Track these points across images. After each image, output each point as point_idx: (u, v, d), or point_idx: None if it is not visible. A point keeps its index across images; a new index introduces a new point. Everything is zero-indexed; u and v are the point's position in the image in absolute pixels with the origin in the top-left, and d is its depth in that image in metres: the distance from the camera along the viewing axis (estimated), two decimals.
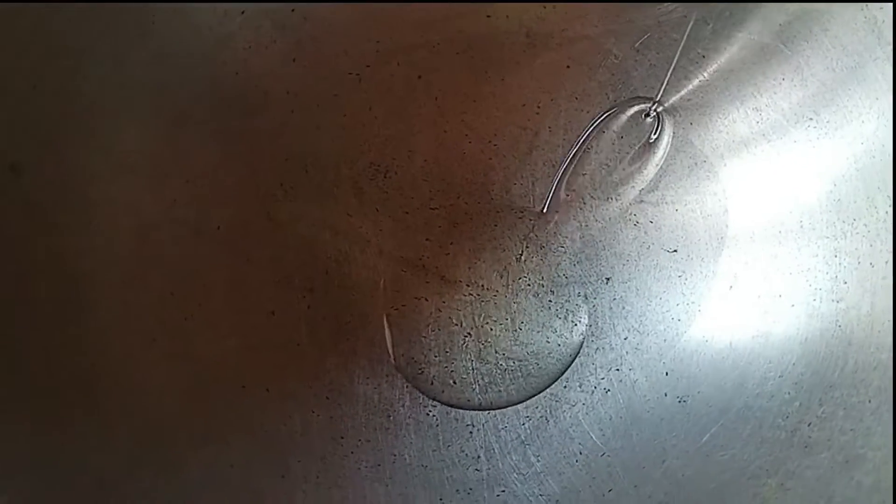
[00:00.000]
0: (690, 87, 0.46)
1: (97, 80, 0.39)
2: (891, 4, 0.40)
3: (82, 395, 0.39)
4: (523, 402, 0.47)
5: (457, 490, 0.44)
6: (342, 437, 0.45)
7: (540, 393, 0.47)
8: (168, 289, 0.43)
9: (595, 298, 0.48)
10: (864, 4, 0.40)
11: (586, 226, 0.48)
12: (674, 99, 0.46)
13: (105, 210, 0.41)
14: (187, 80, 0.42)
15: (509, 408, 0.47)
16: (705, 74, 0.45)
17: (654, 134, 0.47)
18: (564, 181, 0.48)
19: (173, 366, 0.42)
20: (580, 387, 0.47)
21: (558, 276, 0.48)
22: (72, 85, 0.38)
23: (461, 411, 0.46)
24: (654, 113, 0.46)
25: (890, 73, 0.40)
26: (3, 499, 0.34)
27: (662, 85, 0.45)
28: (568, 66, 0.47)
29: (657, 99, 0.46)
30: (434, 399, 0.46)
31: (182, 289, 0.43)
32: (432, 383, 0.47)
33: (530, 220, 0.48)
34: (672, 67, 0.44)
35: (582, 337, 0.47)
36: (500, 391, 0.47)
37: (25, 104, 0.37)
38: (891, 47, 0.40)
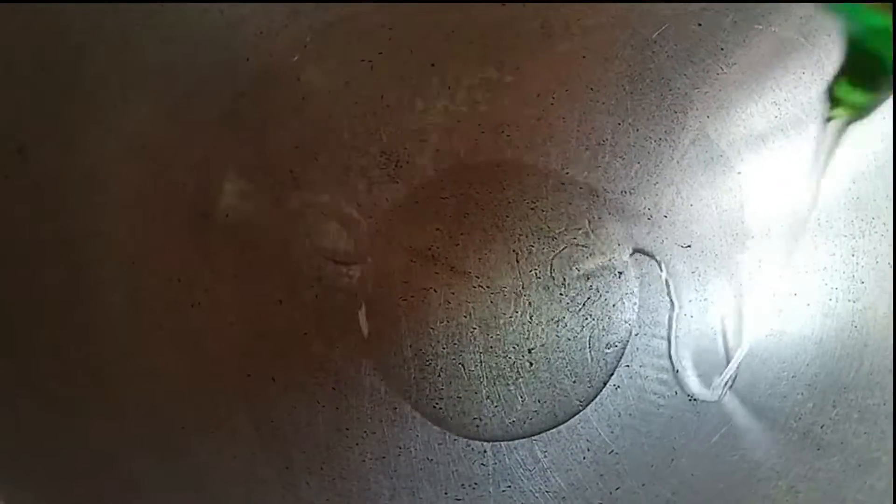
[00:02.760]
0: (707, 79, 0.45)
1: (103, 62, 0.38)
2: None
3: (89, 378, 0.39)
4: (531, 397, 0.46)
5: (462, 484, 0.44)
6: (347, 429, 0.44)
7: (548, 388, 0.46)
8: (175, 275, 0.42)
9: (606, 292, 0.47)
10: None
11: (599, 219, 0.48)
12: (691, 92, 0.46)
13: (112, 193, 0.40)
14: (196, 63, 0.41)
15: (517, 403, 0.46)
16: (723, 67, 0.44)
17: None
18: None
19: (179, 352, 0.42)
20: (589, 382, 0.46)
21: (569, 268, 0.48)
22: (78, 66, 0.38)
23: (468, 404, 0.46)
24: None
25: None
26: (10, 482, 0.33)
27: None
28: (584, 56, 0.46)
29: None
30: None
31: (189, 275, 0.43)
32: (440, 375, 0.46)
33: (542, 211, 0.48)
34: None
35: (593, 331, 0.47)
36: (508, 385, 0.46)
37: (31, 86, 0.37)
38: None
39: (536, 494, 0.44)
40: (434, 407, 0.46)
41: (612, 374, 0.46)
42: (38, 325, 0.37)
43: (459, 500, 0.43)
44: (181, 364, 0.42)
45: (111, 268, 0.40)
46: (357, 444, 0.44)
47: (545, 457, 0.45)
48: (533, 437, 0.45)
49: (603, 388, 0.46)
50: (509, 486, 0.44)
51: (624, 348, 0.47)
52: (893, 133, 0.40)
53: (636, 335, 0.47)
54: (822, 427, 0.41)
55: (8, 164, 0.36)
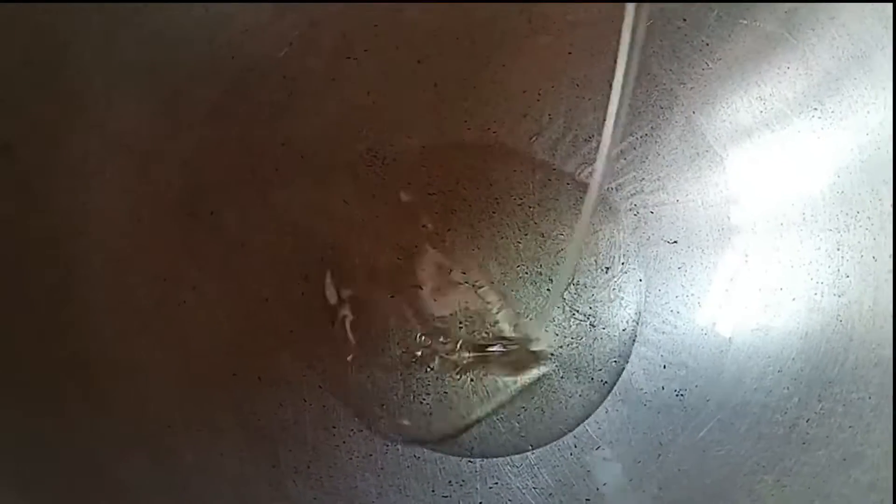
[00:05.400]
0: (693, 74, 0.45)
1: (89, 59, 0.38)
2: (890, 4, 0.39)
3: (75, 378, 0.38)
4: (520, 393, 0.46)
5: (449, 482, 0.44)
6: (334, 427, 0.44)
7: (536, 384, 0.46)
8: (161, 273, 0.42)
9: (593, 288, 0.47)
10: None
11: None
12: (677, 88, 0.46)
13: (98, 191, 0.40)
14: (182, 61, 0.41)
15: (504, 398, 0.46)
16: (709, 62, 0.44)
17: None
18: None
19: (165, 351, 0.42)
20: (576, 378, 0.46)
21: (557, 264, 0.48)
22: (62, 64, 0.38)
23: (455, 400, 0.46)
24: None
25: None
26: None
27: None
28: (570, 53, 0.46)
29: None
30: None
31: (175, 274, 0.43)
32: (427, 371, 0.46)
33: (529, 207, 0.48)
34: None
35: (580, 327, 0.47)
36: (496, 381, 0.46)
37: (16, 82, 0.36)
38: None
39: (524, 491, 0.44)
40: (420, 403, 0.46)
41: (599, 370, 0.46)
42: (24, 324, 0.37)
43: (447, 497, 0.43)
44: (168, 363, 0.41)
45: (97, 266, 0.40)
46: (344, 442, 0.44)
47: (532, 453, 0.45)
48: (520, 434, 0.45)
49: (590, 383, 0.46)
50: (496, 483, 0.44)
51: (611, 343, 0.47)
52: (894, 130, 0.40)
53: (623, 330, 0.47)
54: (807, 421, 0.41)
55: None
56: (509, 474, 0.44)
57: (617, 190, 0.47)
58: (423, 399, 0.46)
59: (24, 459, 0.35)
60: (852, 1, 0.40)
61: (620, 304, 0.47)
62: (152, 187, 0.42)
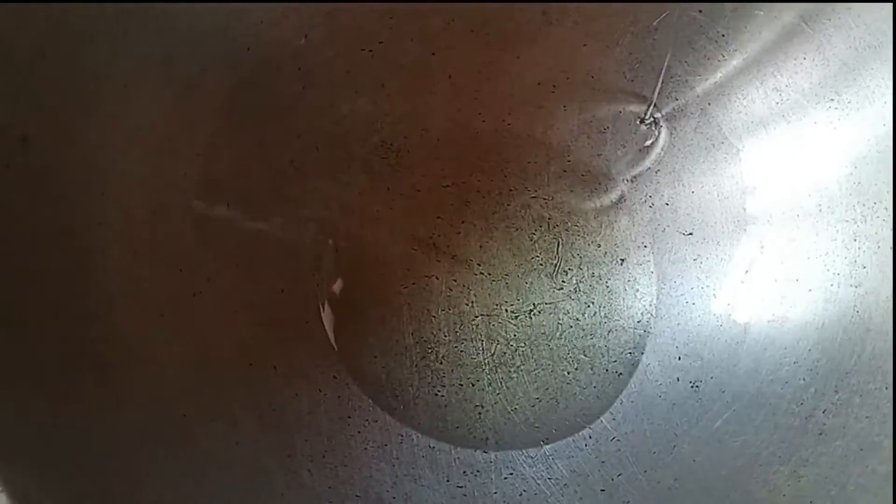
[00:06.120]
0: (709, 66, 0.45)
1: (105, 51, 0.38)
2: (890, 5, 0.39)
3: (90, 368, 0.39)
4: (533, 384, 0.46)
5: (464, 472, 0.44)
6: (349, 417, 0.44)
7: (550, 376, 0.46)
8: (176, 264, 0.43)
9: (609, 280, 0.47)
10: None
11: (601, 207, 0.47)
12: (692, 79, 0.45)
13: (115, 182, 0.40)
14: (197, 52, 0.41)
15: (519, 390, 0.46)
16: (724, 53, 0.44)
17: (650, 141, 0.46)
18: None
19: (181, 341, 0.42)
20: (591, 369, 0.46)
21: (572, 256, 0.47)
22: (79, 55, 0.38)
23: (470, 391, 0.46)
24: (651, 119, 0.46)
25: None
26: (13, 471, 0.34)
27: (656, 89, 0.44)
28: (585, 44, 0.46)
29: (653, 103, 0.45)
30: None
31: (190, 264, 0.43)
32: (441, 362, 0.46)
33: (544, 199, 0.48)
34: (663, 71, 0.43)
35: (595, 318, 0.47)
36: (510, 372, 0.46)
37: (32, 75, 0.37)
38: None
39: (539, 481, 0.44)
40: (436, 394, 0.46)
41: (614, 362, 0.46)
42: (40, 315, 0.37)
43: (461, 487, 0.44)
44: (183, 353, 0.42)
45: (113, 257, 0.40)
46: (359, 432, 0.44)
47: (547, 444, 0.45)
48: (535, 425, 0.45)
49: (605, 375, 0.46)
50: (511, 474, 0.44)
51: (626, 335, 0.47)
52: (894, 119, 0.40)
53: (638, 322, 0.47)
54: (823, 412, 0.41)
55: (11, 152, 0.37)
56: (524, 465, 0.44)
57: (632, 181, 0.47)
58: (439, 391, 0.46)
59: (42, 449, 0.35)
60: (854, 1, 0.40)
61: (635, 295, 0.47)
62: (167, 178, 0.42)
